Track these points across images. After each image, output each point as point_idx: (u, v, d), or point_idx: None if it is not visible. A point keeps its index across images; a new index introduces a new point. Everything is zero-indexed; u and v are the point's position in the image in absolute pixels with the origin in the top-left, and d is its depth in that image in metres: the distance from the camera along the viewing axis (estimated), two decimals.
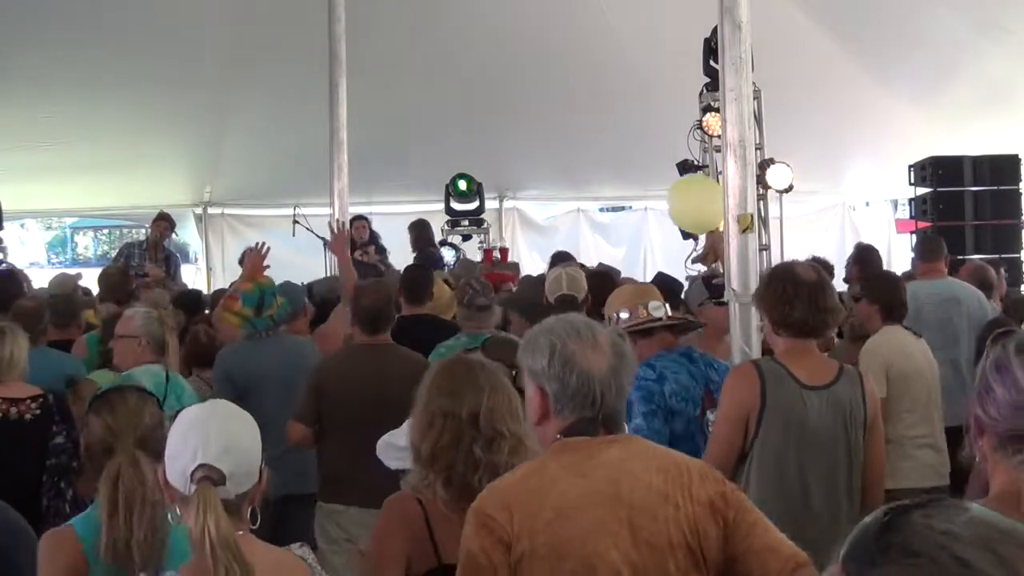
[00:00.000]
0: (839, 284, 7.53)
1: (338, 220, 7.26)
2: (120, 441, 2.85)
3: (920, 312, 6.13)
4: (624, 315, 4.16)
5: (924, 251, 7.08)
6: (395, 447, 3.32)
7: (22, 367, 4.73)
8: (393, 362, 5.03)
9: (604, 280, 5.77)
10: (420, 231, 11.25)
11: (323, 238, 9.99)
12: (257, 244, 6.29)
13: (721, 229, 5.48)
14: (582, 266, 7.76)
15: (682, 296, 6.22)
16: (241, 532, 2.32)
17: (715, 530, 2.35)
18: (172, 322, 5.07)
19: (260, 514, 2.45)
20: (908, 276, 7.15)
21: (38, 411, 4.49)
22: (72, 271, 11.50)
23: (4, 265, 10.52)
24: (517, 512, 2.29)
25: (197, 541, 2.22)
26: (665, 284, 6.07)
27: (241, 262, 11.39)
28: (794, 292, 3.63)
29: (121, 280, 6.84)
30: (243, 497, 2.35)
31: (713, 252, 8.34)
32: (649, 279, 10.04)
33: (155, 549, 2.76)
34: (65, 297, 7.25)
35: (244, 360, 5.51)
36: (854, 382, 3.67)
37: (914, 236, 10.74)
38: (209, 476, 2.27)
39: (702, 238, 10.03)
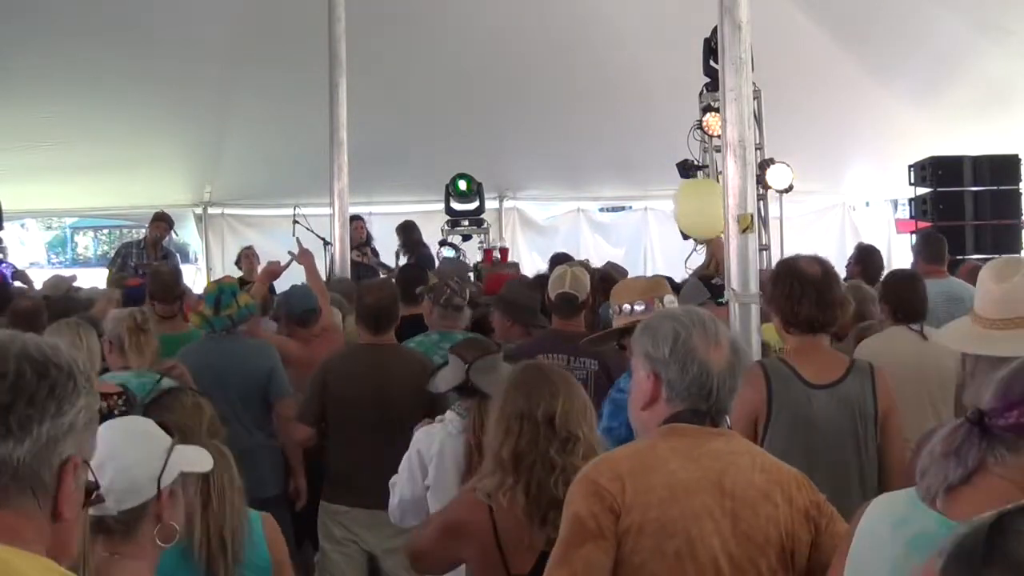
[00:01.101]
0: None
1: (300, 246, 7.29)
2: (192, 435, 2.78)
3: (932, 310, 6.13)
4: (639, 307, 4.10)
5: (927, 251, 7.06)
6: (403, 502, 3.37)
7: (99, 362, 4.74)
8: (396, 362, 5.03)
9: (607, 284, 5.75)
10: (409, 233, 11.22)
11: (323, 238, 10.00)
12: (276, 262, 6.74)
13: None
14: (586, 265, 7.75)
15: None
16: (115, 554, 2.23)
17: (807, 536, 2.41)
18: (143, 322, 5.01)
19: None
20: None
21: (124, 408, 4.43)
22: (67, 272, 11.49)
23: (5, 265, 10.52)
24: (630, 485, 2.32)
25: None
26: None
27: (238, 263, 11.47)
28: (801, 290, 3.65)
29: (172, 280, 6.75)
30: (132, 514, 2.24)
31: (715, 260, 8.34)
32: None
33: (242, 542, 2.74)
34: (61, 298, 7.26)
35: (192, 361, 5.45)
36: (864, 377, 3.66)
37: (914, 236, 10.74)
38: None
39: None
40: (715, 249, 7.91)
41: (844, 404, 3.61)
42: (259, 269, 9.18)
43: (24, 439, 1.49)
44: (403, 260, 10.70)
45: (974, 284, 7.03)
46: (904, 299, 5.44)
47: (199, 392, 3.10)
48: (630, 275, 8.72)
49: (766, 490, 2.40)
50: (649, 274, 12.27)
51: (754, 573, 2.35)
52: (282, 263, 6.88)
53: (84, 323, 4.90)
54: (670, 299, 4.16)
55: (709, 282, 5.12)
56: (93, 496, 1.64)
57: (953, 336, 2.83)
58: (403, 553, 3.19)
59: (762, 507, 2.37)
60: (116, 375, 4.84)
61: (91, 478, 1.62)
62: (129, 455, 2.28)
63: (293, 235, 10.47)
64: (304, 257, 6.92)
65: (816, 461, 3.58)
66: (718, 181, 8.69)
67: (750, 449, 2.55)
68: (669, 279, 6.99)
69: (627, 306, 4.16)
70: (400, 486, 3.80)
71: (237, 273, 10.53)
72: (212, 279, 12.82)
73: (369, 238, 11.52)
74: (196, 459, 2.41)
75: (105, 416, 4.27)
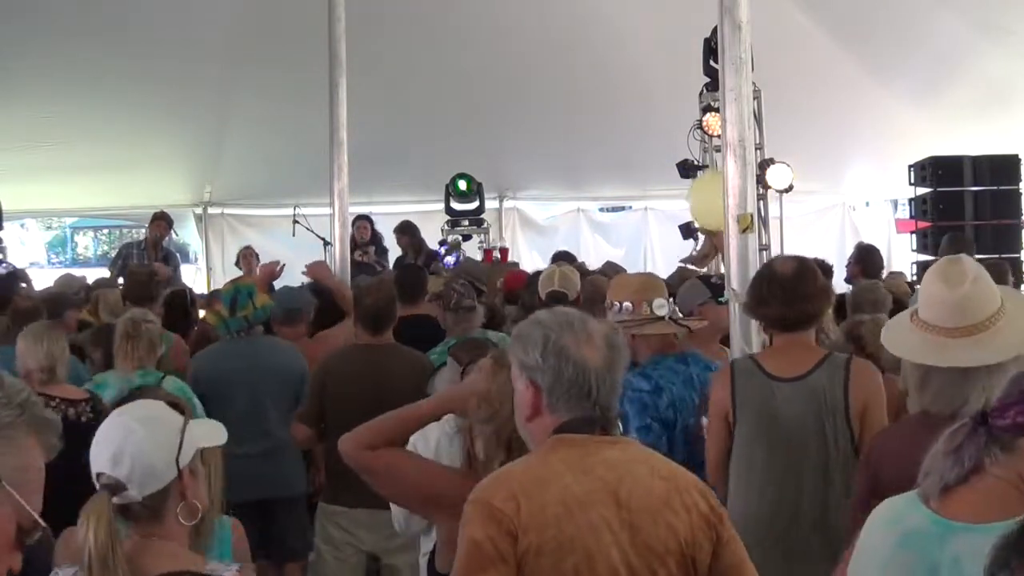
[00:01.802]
0: (840, 285, 7.52)
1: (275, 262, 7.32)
2: None
3: None
4: (627, 305, 4.10)
5: (953, 250, 7.11)
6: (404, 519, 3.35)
7: (68, 367, 4.76)
8: (395, 362, 5.03)
9: (595, 285, 5.74)
10: (414, 234, 11.23)
11: (323, 238, 10.00)
12: (273, 263, 6.80)
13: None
14: (581, 266, 7.76)
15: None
16: (143, 537, 2.24)
17: (708, 544, 2.35)
18: (132, 328, 5.04)
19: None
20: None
21: (91, 414, 4.44)
22: (76, 272, 11.51)
23: (4, 265, 10.52)
24: (524, 504, 2.24)
25: (81, 548, 2.15)
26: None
27: (237, 263, 11.48)
28: (768, 291, 3.70)
29: (148, 280, 6.83)
30: (157, 498, 2.26)
31: (713, 252, 8.34)
32: None
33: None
34: (56, 295, 7.28)
35: (211, 362, 5.48)
36: (835, 370, 3.63)
37: (914, 236, 10.74)
38: (105, 484, 2.22)
39: (703, 238, 10.04)
40: (718, 242, 7.92)
41: (810, 397, 3.61)
42: (258, 269, 9.21)
43: None
44: (410, 260, 10.69)
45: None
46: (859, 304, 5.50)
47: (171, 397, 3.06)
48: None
49: (665, 498, 2.33)
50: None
51: None
52: (281, 263, 6.91)
53: (51, 327, 4.92)
54: (659, 302, 4.13)
55: (708, 281, 5.09)
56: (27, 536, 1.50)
57: (904, 346, 2.78)
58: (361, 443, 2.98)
59: (661, 516, 2.31)
60: (112, 374, 4.93)
61: (23, 515, 1.49)
62: (144, 441, 2.27)
63: (293, 235, 10.53)
64: (315, 270, 6.93)
65: (777, 451, 3.63)
66: None
67: (647, 457, 2.45)
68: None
69: (616, 304, 4.14)
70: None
71: (237, 273, 10.54)
72: (212, 279, 12.94)
73: (376, 238, 11.53)
74: (210, 433, 2.42)
75: (73, 423, 4.29)
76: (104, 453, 2.26)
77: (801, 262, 3.79)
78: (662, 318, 4.12)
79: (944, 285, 2.72)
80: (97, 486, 2.23)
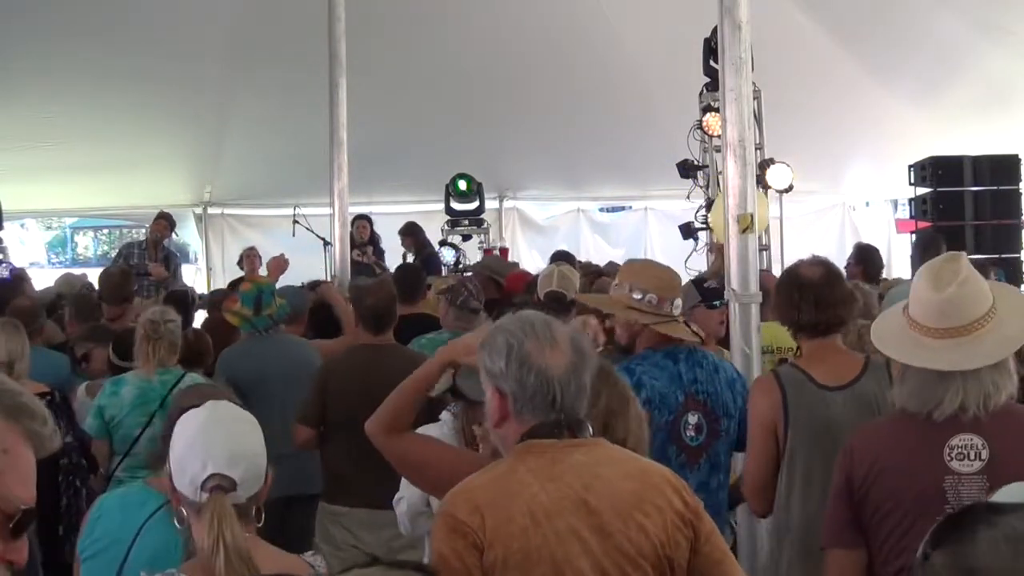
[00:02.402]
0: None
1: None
2: None
3: None
4: (652, 298, 3.99)
5: (925, 251, 7.09)
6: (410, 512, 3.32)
7: (28, 363, 4.77)
8: (396, 361, 5.01)
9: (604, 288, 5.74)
10: (418, 235, 11.24)
11: (323, 238, 10.00)
12: (280, 256, 6.90)
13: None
14: (587, 265, 7.73)
15: None
16: (249, 535, 2.32)
17: (685, 541, 2.32)
18: (152, 331, 5.06)
19: (264, 514, 2.44)
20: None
21: (49, 409, 4.48)
22: (77, 271, 11.51)
23: (5, 265, 10.52)
24: (489, 517, 2.22)
25: (209, 548, 2.22)
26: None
27: (240, 263, 11.47)
28: (800, 296, 3.66)
29: (122, 281, 6.89)
30: (253, 500, 2.35)
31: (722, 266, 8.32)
32: None
33: None
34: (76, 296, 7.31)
35: (246, 360, 5.53)
36: (880, 374, 3.61)
37: (914, 236, 10.74)
38: (220, 485, 2.27)
39: (703, 238, 10.04)
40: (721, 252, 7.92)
41: (862, 403, 3.58)
42: (267, 265, 9.23)
43: None
44: (409, 260, 10.70)
45: None
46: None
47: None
48: None
49: (635, 500, 2.29)
50: None
51: None
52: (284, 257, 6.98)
53: (10, 323, 4.94)
54: (678, 303, 4.06)
55: (701, 285, 5.07)
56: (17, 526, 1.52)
57: (888, 342, 2.79)
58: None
59: (632, 518, 2.27)
60: (139, 372, 4.97)
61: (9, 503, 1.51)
62: (254, 445, 2.37)
63: (293, 235, 10.53)
64: (326, 291, 7.01)
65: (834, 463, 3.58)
66: (718, 182, 8.68)
67: (616, 456, 2.41)
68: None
69: (639, 291, 3.99)
70: (405, 493, 3.77)
71: (238, 273, 10.53)
72: (212, 279, 12.94)
73: (375, 238, 11.53)
74: None
75: None
76: (223, 453, 2.30)
77: (827, 266, 3.76)
78: (677, 319, 4.06)
79: (932, 285, 2.72)
80: (206, 486, 2.27)
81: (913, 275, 7.66)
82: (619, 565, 2.25)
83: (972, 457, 2.66)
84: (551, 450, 2.31)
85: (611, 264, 9.15)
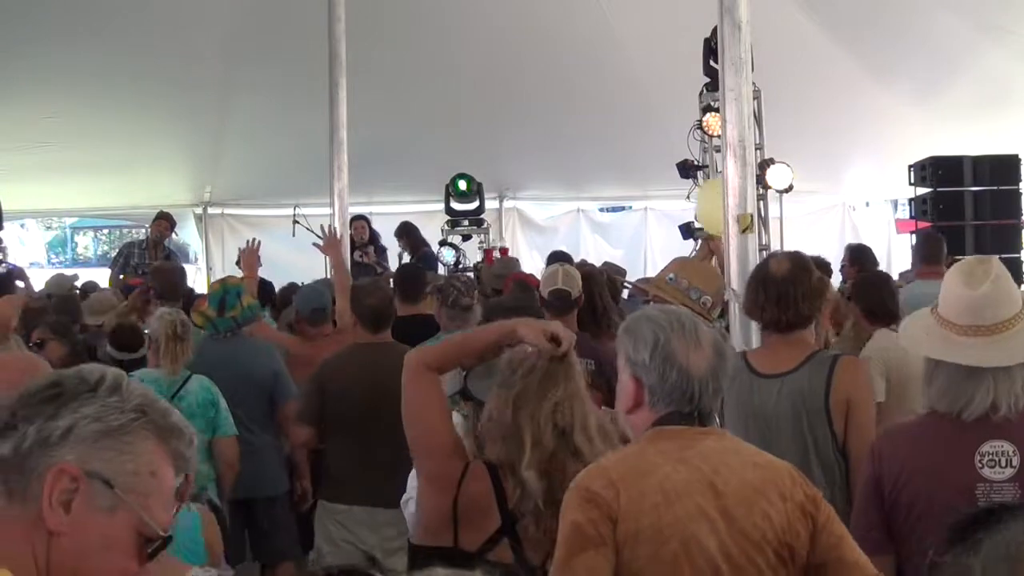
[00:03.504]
0: (838, 285, 7.52)
1: (330, 226, 7.28)
2: None
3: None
4: (708, 299, 4.12)
5: (926, 252, 7.05)
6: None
7: None
8: (395, 361, 5.00)
9: (588, 282, 5.74)
10: (413, 235, 11.23)
11: (323, 238, 9.99)
12: (249, 241, 6.87)
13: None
14: (582, 263, 7.71)
15: None
16: None
17: (805, 531, 2.38)
18: (183, 332, 5.09)
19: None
20: (907, 277, 7.12)
21: None
22: (69, 272, 11.51)
23: (5, 265, 10.52)
24: (623, 491, 2.29)
25: None
26: None
27: (238, 263, 11.47)
28: (764, 294, 3.70)
29: (178, 279, 6.88)
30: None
31: (710, 256, 8.33)
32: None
33: None
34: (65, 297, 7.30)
35: (196, 363, 5.48)
36: (821, 368, 3.62)
37: (914, 236, 10.74)
38: None
39: (699, 241, 10.03)
40: (714, 247, 7.93)
41: (790, 394, 3.61)
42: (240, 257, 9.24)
43: (10, 437, 1.45)
44: (405, 260, 10.70)
45: None
46: (878, 302, 5.44)
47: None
48: (628, 276, 8.76)
49: (760, 487, 2.37)
50: (648, 275, 12.30)
51: (753, 571, 2.33)
52: (257, 240, 6.97)
53: None
54: (707, 299, 4.16)
55: None
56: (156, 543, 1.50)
57: (917, 339, 2.79)
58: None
59: (757, 504, 2.35)
60: (148, 371, 5.00)
61: (141, 523, 1.49)
62: None
63: (293, 235, 10.52)
64: (329, 248, 6.89)
65: (765, 449, 3.60)
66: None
67: (742, 447, 2.51)
68: None
69: (697, 290, 4.15)
70: (415, 496, 3.77)
71: (238, 273, 10.53)
72: (211, 279, 12.93)
73: (375, 238, 11.52)
74: None
75: None
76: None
77: (795, 261, 3.77)
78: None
79: (965, 283, 2.71)
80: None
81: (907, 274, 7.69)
82: (743, 548, 2.32)
83: (1003, 464, 2.65)
84: (682, 436, 2.41)
85: (608, 264, 9.12)
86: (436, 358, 2.97)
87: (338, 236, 7.19)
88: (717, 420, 2.54)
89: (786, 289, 3.65)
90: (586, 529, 2.26)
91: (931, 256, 6.92)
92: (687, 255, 9.93)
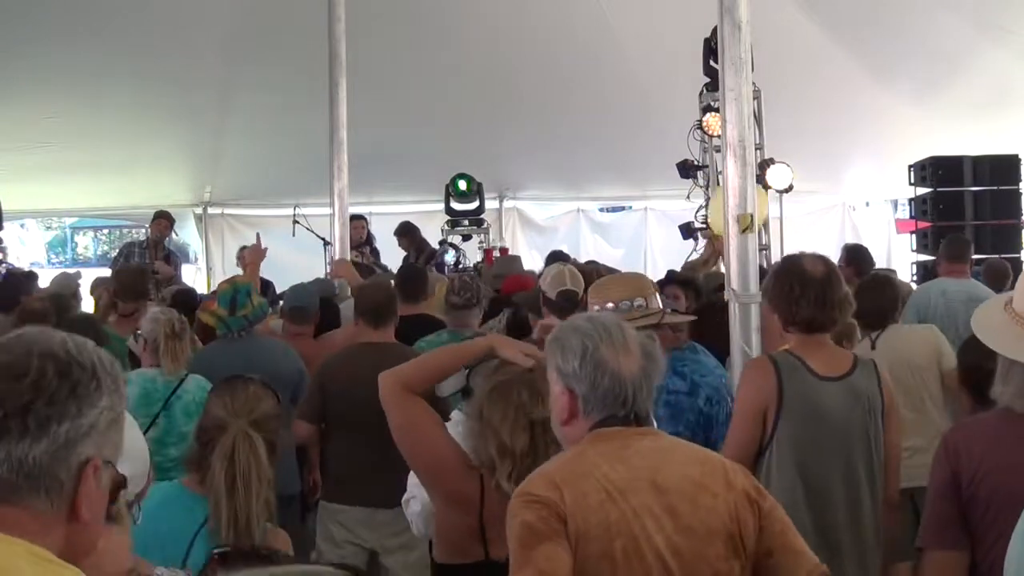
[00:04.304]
0: None
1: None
2: (235, 420, 2.89)
3: (949, 309, 6.22)
4: (639, 302, 4.02)
5: (952, 251, 7.25)
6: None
7: None
8: (396, 360, 5.00)
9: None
10: (414, 235, 11.22)
11: (323, 238, 10.00)
12: (256, 240, 6.92)
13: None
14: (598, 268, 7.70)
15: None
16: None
17: (752, 519, 2.39)
18: (180, 330, 5.09)
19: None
20: (932, 273, 7.25)
21: None
22: (72, 270, 11.52)
23: (5, 265, 10.54)
24: (567, 491, 2.29)
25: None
26: (681, 280, 6.19)
27: (238, 263, 11.47)
28: (801, 290, 3.60)
29: (138, 278, 6.92)
30: (138, 497, 2.26)
31: (714, 256, 8.34)
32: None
33: (265, 528, 2.80)
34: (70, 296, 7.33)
35: (212, 362, 5.48)
36: (870, 372, 3.65)
37: (914, 236, 10.74)
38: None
39: (702, 241, 10.04)
40: (719, 247, 7.94)
41: (855, 397, 3.58)
42: (245, 256, 9.26)
43: (41, 439, 1.48)
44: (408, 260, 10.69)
45: (993, 282, 7.17)
46: (871, 304, 5.48)
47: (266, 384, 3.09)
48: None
49: (701, 481, 2.38)
50: (648, 274, 12.29)
51: (704, 565, 2.33)
52: (264, 246, 7.04)
53: None
54: (639, 302, 4.04)
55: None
56: (120, 493, 1.62)
57: (989, 333, 2.67)
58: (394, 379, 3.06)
59: (700, 499, 2.36)
60: (145, 372, 5.00)
61: (116, 475, 1.60)
62: (139, 442, 2.32)
63: (293, 235, 10.53)
64: (340, 269, 7.02)
65: (829, 451, 3.57)
66: (718, 182, 8.68)
67: (678, 445, 2.53)
68: (685, 275, 7.04)
69: (596, 307, 4.08)
70: (416, 492, 3.77)
71: (238, 272, 10.53)
72: (212, 279, 12.95)
73: (370, 238, 11.52)
74: None
75: None
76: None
77: (829, 265, 3.72)
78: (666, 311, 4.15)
79: None
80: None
81: (912, 275, 7.74)
82: (691, 543, 2.33)
83: None
84: (619, 436, 2.41)
85: (591, 264, 9.09)
86: (412, 378, 3.02)
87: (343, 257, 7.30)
88: (654, 423, 2.51)
89: (824, 291, 3.60)
90: (538, 525, 2.25)
91: (957, 255, 7.10)
92: (687, 255, 9.96)
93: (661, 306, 4.12)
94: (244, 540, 2.72)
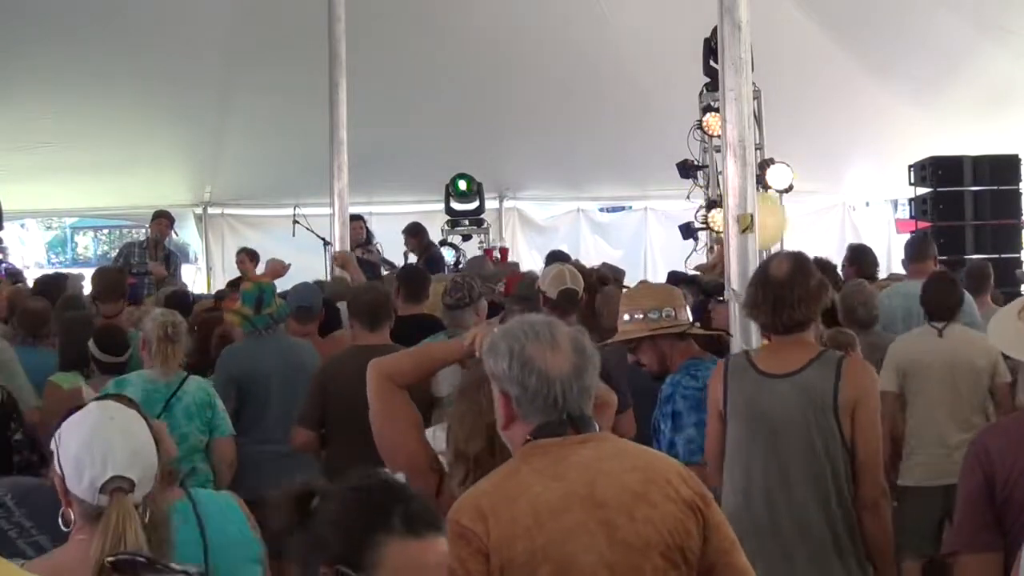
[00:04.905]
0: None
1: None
2: None
3: (911, 311, 6.14)
4: (639, 316, 4.13)
5: (914, 252, 7.10)
6: None
7: None
8: None
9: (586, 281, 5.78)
10: (422, 236, 11.21)
11: (323, 238, 10.00)
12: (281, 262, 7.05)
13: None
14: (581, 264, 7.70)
15: None
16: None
17: (695, 528, 2.33)
18: (173, 334, 5.09)
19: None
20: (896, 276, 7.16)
21: None
22: (73, 271, 11.51)
23: (5, 265, 10.53)
24: (493, 522, 2.24)
25: (106, 551, 2.07)
26: (682, 282, 6.19)
27: (239, 261, 11.47)
28: (761, 296, 3.66)
29: (117, 278, 6.92)
30: (145, 500, 2.23)
31: (722, 263, 8.33)
32: (650, 279, 10.06)
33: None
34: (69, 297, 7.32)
35: (245, 360, 5.54)
36: (828, 367, 3.60)
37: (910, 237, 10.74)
38: (121, 487, 2.16)
39: (703, 238, 10.05)
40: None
41: (800, 393, 3.58)
42: (253, 270, 9.25)
43: None
44: (412, 260, 10.67)
45: (975, 285, 7.06)
46: (847, 307, 5.50)
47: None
48: (628, 275, 8.77)
49: (640, 491, 2.31)
50: (650, 274, 12.31)
51: None
52: (285, 262, 7.02)
53: None
54: (667, 312, 4.13)
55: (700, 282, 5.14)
56: None
57: (1004, 338, 2.70)
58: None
59: (638, 510, 2.29)
60: (143, 373, 5.00)
61: None
62: (148, 444, 2.29)
63: (293, 235, 10.53)
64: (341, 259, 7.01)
65: (769, 448, 3.62)
66: (718, 182, 8.69)
67: (623, 449, 2.44)
68: (687, 276, 7.05)
69: (626, 316, 4.17)
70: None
71: (238, 273, 10.53)
72: (212, 279, 12.95)
73: (369, 237, 11.50)
74: None
75: None
76: (121, 453, 2.19)
77: (795, 262, 3.70)
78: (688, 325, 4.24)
79: None
80: (106, 488, 2.17)
81: (902, 275, 7.72)
82: (626, 557, 2.26)
83: None
84: (555, 448, 2.33)
85: (606, 265, 9.11)
86: (395, 369, 3.04)
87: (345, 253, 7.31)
88: (596, 425, 2.41)
89: (782, 293, 3.60)
90: (457, 572, 2.19)
91: (920, 256, 6.96)
92: (687, 255, 9.96)
93: (690, 319, 4.21)
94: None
